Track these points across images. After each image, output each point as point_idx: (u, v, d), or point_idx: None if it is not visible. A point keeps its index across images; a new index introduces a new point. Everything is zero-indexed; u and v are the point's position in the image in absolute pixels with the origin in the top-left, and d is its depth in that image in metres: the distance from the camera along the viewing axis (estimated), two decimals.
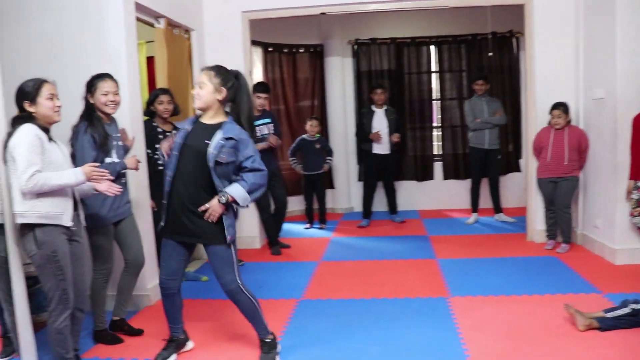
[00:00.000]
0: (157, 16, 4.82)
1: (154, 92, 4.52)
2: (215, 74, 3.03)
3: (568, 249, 5.33)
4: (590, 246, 5.34)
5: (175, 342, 3.36)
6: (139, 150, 4.16)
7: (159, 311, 4.04)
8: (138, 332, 3.67)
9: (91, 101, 3.38)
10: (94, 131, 3.31)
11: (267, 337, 3.26)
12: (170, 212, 3.08)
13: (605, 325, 3.38)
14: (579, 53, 5.41)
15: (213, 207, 2.96)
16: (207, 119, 3.08)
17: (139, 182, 4.14)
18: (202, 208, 2.97)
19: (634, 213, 4.60)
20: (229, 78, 3.05)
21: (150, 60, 5.46)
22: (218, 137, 2.96)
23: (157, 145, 4.39)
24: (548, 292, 4.15)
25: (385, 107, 6.87)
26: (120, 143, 3.55)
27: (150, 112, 4.49)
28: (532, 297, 4.08)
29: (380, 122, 6.79)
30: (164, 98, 4.43)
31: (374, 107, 6.87)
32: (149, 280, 4.25)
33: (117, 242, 3.61)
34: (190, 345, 3.46)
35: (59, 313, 2.91)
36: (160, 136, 4.44)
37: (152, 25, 4.85)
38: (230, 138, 2.96)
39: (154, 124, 4.46)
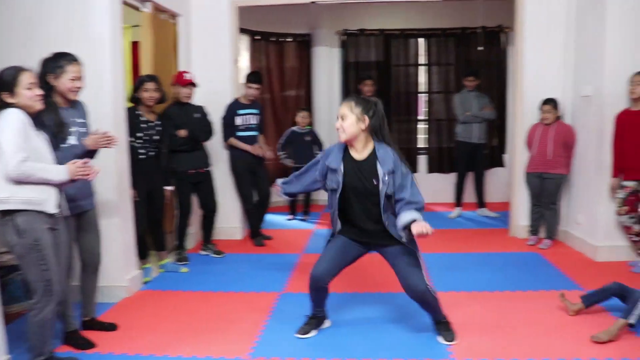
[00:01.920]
0: (144, 0, 4.71)
1: (140, 79, 4.40)
2: (355, 104, 3.06)
3: (550, 245, 5.35)
4: (571, 242, 5.36)
5: (316, 320, 3.46)
6: (121, 139, 4.07)
7: (138, 303, 4.02)
8: (111, 328, 3.53)
9: (53, 83, 3.11)
10: (46, 118, 2.97)
11: (442, 318, 3.34)
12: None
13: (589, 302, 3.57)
14: (568, 49, 5.40)
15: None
16: (358, 154, 3.12)
17: (120, 171, 4.05)
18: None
19: (620, 212, 4.61)
20: (369, 106, 3.07)
21: (134, 45, 5.36)
22: (381, 173, 3.04)
23: (138, 134, 4.32)
24: (530, 289, 4.16)
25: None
26: (83, 130, 3.28)
27: (134, 98, 4.37)
28: (515, 294, 4.08)
29: None
30: (149, 85, 4.33)
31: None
32: (126, 272, 4.17)
33: (74, 238, 3.33)
34: (327, 323, 3.54)
35: (44, 305, 2.81)
36: (143, 125, 4.34)
37: (137, 9, 4.75)
38: (392, 172, 3.04)
39: (137, 112, 4.36)
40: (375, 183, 3.05)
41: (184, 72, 4.92)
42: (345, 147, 3.17)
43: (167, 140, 4.65)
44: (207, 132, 5.10)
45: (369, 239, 3.22)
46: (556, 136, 5.22)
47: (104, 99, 3.92)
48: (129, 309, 3.92)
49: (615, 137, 4.62)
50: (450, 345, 3.27)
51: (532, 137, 5.38)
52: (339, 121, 3.08)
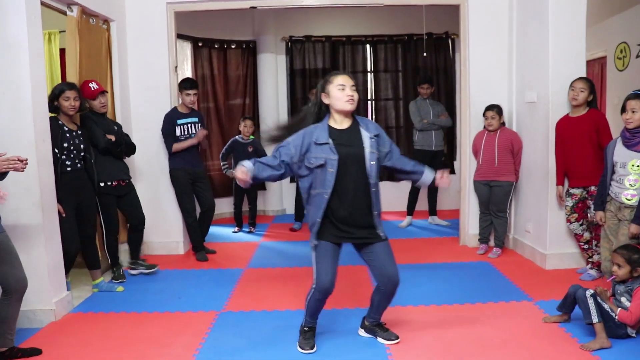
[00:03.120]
0: (70, 3, 4.43)
1: (59, 87, 4.07)
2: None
3: (500, 254, 5.28)
4: (521, 250, 5.30)
5: (313, 331, 3.35)
6: (45, 151, 3.79)
7: (66, 327, 3.73)
8: (35, 353, 3.25)
9: None
10: None
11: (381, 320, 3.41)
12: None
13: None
14: (512, 56, 5.37)
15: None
16: (340, 124, 3.18)
17: (44, 186, 3.75)
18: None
19: (570, 219, 4.56)
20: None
21: (64, 52, 5.05)
22: (366, 137, 3.15)
23: (64, 145, 4.03)
24: (480, 301, 4.04)
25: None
26: None
27: (54, 108, 4.06)
28: (464, 307, 3.95)
29: None
30: (70, 94, 4.03)
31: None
32: (54, 294, 3.85)
33: None
34: None
35: None
36: (67, 135, 4.05)
37: (64, 13, 4.46)
38: (377, 135, 3.22)
39: (60, 122, 4.07)
40: (363, 147, 3.10)
41: (88, 81, 4.50)
42: (327, 123, 3.17)
43: (98, 141, 4.37)
44: (130, 149, 4.79)
45: (353, 235, 3.15)
46: (501, 143, 5.17)
47: (24, 109, 3.62)
48: (56, 334, 3.61)
49: (556, 144, 4.58)
50: (396, 342, 3.31)
51: (478, 145, 5.31)
52: (349, 90, 3.10)
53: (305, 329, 3.33)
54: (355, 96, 3.12)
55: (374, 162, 3.09)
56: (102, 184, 4.46)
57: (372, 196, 3.13)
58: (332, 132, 3.13)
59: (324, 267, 3.10)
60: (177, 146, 5.29)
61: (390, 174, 7.71)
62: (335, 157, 3.05)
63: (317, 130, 3.14)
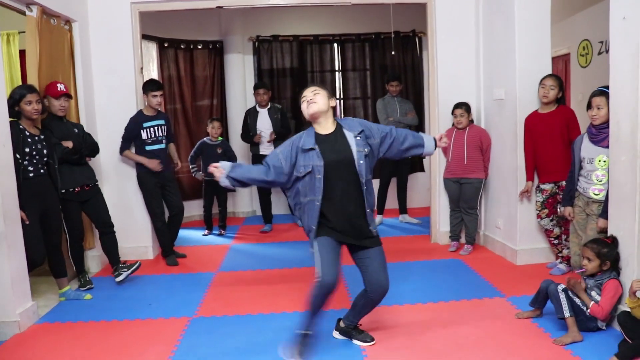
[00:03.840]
0: (29, 3, 4.29)
1: (19, 91, 3.91)
2: (322, 87, 3.23)
3: (471, 250, 5.32)
4: (492, 247, 5.35)
5: (310, 338, 3.20)
6: (6, 156, 3.66)
7: (31, 339, 3.61)
8: None
9: None
10: None
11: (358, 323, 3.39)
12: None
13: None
14: (479, 53, 5.41)
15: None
16: (325, 130, 3.19)
17: (5, 193, 3.62)
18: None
19: (540, 215, 4.61)
20: (333, 93, 3.04)
21: (23, 53, 4.89)
22: (350, 137, 3.15)
23: (26, 150, 3.90)
24: (453, 299, 4.05)
25: (269, 106, 6.57)
26: None
27: (15, 113, 3.92)
28: (438, 305, 3.96)
29: (263, 122, 6.48)
30: (31, 97, 3.88)
31: (257, 107, 6.56)
32: (18, 305, 3.72)
33: None
34: None
35: None
36: (29, 140, 3.92)
37: (23, 13, 4.32)
38: (362, 131, 3.19)
39: (21, 126, 3.93)
40: (349, 147, 3.09)
41: (57, 82, 4.42)
42: (313, 131, 3.18)
43: (53, 151, 4.23)
44: (93, 149, 4.68)
45: (348, 239, 3.14)
46: (470, 140, 5.20)
47: None
48: (20, 347, 3.49)
49: (525, 140, 4.63)
50: (370, 344, 3.30)
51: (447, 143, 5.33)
52: (310, 95, 3.13)
53: (302, 332, 3.14)
54: (318, 97, 3.13)
55: (362, 162, 3.07)
56: (63, 191, 4.32)
57: (364, 194, 3.11)
58: (318, 137, 3.14)
59: (327, 260, 3.02)
60: (128, 153, 5.21)
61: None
62: (321, 163, 3.05)
63: (304, 137, 3.16)
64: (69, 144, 4.35)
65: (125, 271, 4.71)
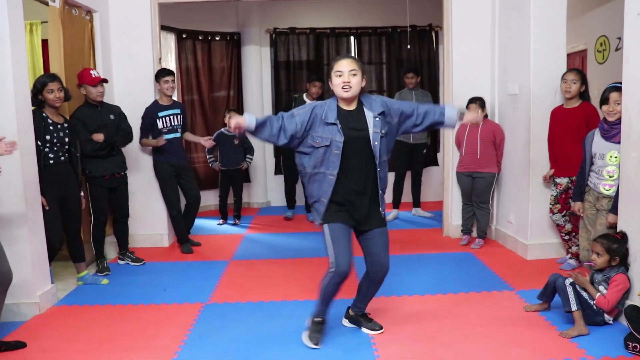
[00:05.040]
0: None
1: (41, 80, 4.02)
2: (358, 62, 3.14)
3: (482, 244, 5.35)
4: (503, 241, 5.38)
5: (324, 323, 3.32)
6: (28, 143, 3.77)
7: (50, 320, 3.73)
8: (19, 346, 3.25)
9: None
10: None
11: (365, 311, 3.45)
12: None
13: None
14: (495, 48, 5.42)
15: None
16: (347, 106, 3.15)
17: (27, 178, 3.73)
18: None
19: (553, 210, 4.63)
20: (364, 68, 3.21)
21: (46, 43, 5.00)
22: (369, 117, 3.13)
23: (47, 137, 4.01)
24: (462, 291, 4.10)
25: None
26: None
27: (38, 101, 4.03)
28: (447, 297, 4.01)
29: None
30: (53, 86, 3.99)
31: (305, 98, 6.60)
32: (38, 287, 3.84)
33: None
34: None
35: None
36: (51, 127, 4.03)
37: (46, 3, 4.42)
38: (382, 113, 3.15)
39: (44, 114, 4.04)
40: (366, 127, 3.08)
41: (89, 69, 4.56)
42: (336, 103, 3.15)
43: (82, 147, 4.38)
44: (126, 137, 4.82)
45: (357, 219, 3.15)
46: (484, 135, 5.23)
47: (6, 100, 3.60)
48: (40, 327, 3.61)
49: (549, 131, 4.65)
50: (379, 332, 3.35)
51: (461, 137, 5.37)
52: (346, 76, 3.03)
53: (317, 320, 3.26)
54: (354, 81, 3.05)
55: (377, 143, 3.07)
56: (94, 175, 4.52)
57: (378, 175, 3.12)
58: (340, 112, 3.11)
59: (341, 248, 3.05)
60: (145, 141, 5.31)
61: None
62: (342, 139, 3.04)
63: (326, 108, 3.12)
64: (99, 137, 4.49)
65: (128, 260, 4.96)
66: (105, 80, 4.61)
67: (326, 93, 7.45)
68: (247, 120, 3.03)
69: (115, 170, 4.69)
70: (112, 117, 4.68)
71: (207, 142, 5.76)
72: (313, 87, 6.49)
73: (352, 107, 3.14)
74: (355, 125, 3.09)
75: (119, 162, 4.75)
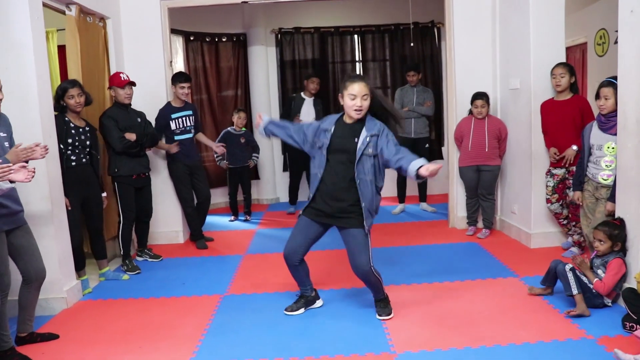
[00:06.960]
0: (68, 3, 4.58)
1: (62, 87, 4.22)
2: (368, 84, 3.40)
3: (488, 234, 5.52)
4: (507, 231, 5.55)
5: (304, 299, 3.77)
6: (52, 146, 3.95)
7: (77, 314, 3.93)
8: (53, 337, 3.48)
9: None
10: None
11: (381, 296, 3.63)
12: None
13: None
14: (496, 44, 5.57)
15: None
16: (350, 120, 3.47)
17: (52, 180, 3.93)
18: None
19: (551, 200, 4.79)
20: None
21: (61, 49, 5.19)
22: (364, 134, 3.38)
23: (69, 140, 4.20)
24: (469, 278, 4.28)
25: (313, 98, 6.86)
26: (6, 144, 3.13)
27: (60, 106, 4.22)
28: (454, 284, 4.19)
29: (308, 111, 6.77)
30: (73, 91, 4.18)
31: (304, 95, 6.83)
32: (65, 283, 4.05)
33: (11, 255, 3.21)
34: (319, 303, 3.83)
35: None
36: (73, 131, 4.22)
37: (63, 12, 4.61)
38: (376, 135, 3.38)
39: (67, 118, 4.23)
40: (355, 141, 3.34)
41: (120, 72, 4.80)
42: (342, 115, 3.49)
43: (114, 144, 4.61)
44: (153, 140, 5.04)
45: (332, 215, 3.44)
46: (491, 129, 5.39)
47: (30, 106, 3.80)
48: (68, 320, 3.81)
49: (542, 123, 4.81)
50: (386, 319, 3.56)
51: (465, 132, 5.51)
52: (359, 100, 3.31)
53: (297, 294, 3.82)
54: (365, 104, 3.34)
55: (360, 159, 3.33)
56: (122, 175, 4.75)
57: (358, 188, 3.36)
58: (339, 123, 3.46)
59: (293, 237, 3.56)
60: (160, 144, 5.48)
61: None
62: (327, 142, 3.39)
63: (329, 119, 3.52)
64: (132, 136, 4.69)
65: (147, 257, 5.20)
66: (134, 83, 4.81)
67: (326, 92, 7.63)
68: (264, 119, 3.69)
69: (142, 170, 4.90)
70: (139, 119, 4.89)
71: (218, 148, 6.03)
72: (311, 84, 6.74)
73: (353, 121, 3.42)
74: (347, 135, 3.40)
75: (144, 163, 4.96)
